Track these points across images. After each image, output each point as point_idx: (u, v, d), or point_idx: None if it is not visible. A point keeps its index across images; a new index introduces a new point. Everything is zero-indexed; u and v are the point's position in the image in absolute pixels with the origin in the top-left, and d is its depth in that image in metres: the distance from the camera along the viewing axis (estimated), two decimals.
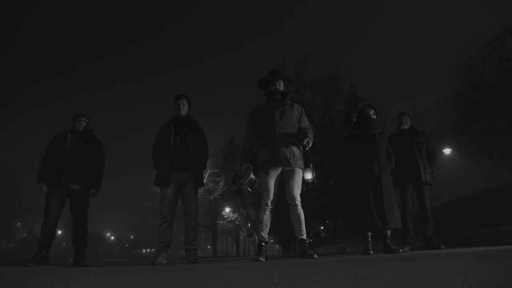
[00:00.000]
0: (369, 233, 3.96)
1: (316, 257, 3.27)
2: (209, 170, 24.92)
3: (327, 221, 25.40)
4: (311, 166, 3.46)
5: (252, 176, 3.41)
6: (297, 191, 3.47)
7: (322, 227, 26.92)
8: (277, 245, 38.69)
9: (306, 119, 3.73)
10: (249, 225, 3.41)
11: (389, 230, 3.87)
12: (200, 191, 21.03)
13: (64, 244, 63.64)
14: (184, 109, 4.11)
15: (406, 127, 4.86)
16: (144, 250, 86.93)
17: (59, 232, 62.86)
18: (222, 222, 35.10)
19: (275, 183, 3.49)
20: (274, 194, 3.49)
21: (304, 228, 3.44)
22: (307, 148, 3.42)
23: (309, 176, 3.42)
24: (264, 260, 3.32)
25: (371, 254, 3.77)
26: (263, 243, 3.44)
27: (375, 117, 4.19)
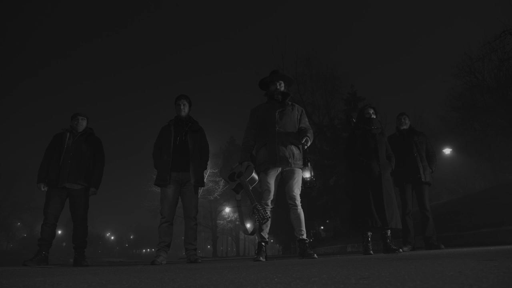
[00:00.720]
0: (369, 233, 3.96)
1: (316, 257, 3.27)
2: (209, 170, 24.93)
3: (327, 221, 25.42)
4: (309, 165, 3.45)
5: (254, 174, 3.40)
6: (297, 191, 3.47)
7: (322, 227, 26.95)
8: (277, 245, 38.71)
9: (307, 119, 3.74)
10: (248, 224, 3.40)
11: (389, 230, 3.87)
12: (200, 191, 21.03)
13: (64, 244, 63.64)
14: (184, 110, 4.12)
15: (405, 127, 4.87)
16: (144, 250, 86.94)
17: (59, 232, 62.84)
18: (222, 222, 35.13)
19: (274, 183, 3.50)
20: (274, 194, 3.50)
21: (304, 228, 3.44)
22: (306, 146, 3.41)
23: (307, 175, 3.40)
24: (264, 260, 3.33)
25: (371, 254, 3.77)
26: (263, 243, 3.45)
27: (375, 116, 4.19)
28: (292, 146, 3.48)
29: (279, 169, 3.49)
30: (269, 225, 3.48)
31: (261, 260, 3.26)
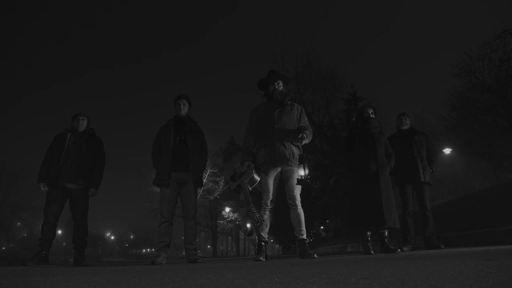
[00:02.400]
0: (369, 233, 3.96)
1: (316, 256, 3.28)
2: (209, 170, 24.90)
3: (327, 221, 25.42)
4: (304, 163, 3.46)
5: (254, 175, 3.39)
6: (297, 191, 3.48)
7: (322, 227, 26.94)
8: (277, 245, 38.71)
9: (306, 118, 3.75)
10: (248, 225, 3.42)
11: (386, 230, 3.87)
12: (200, 191, 21.04)
13: (64, 244, 63.61)
14: (184, 109, 4.12)
15: (406, 127, 4.89)
16: (144, 250, 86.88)
17: (59, 232, 62.75)
18: (222, 222, 35.08)
19: (274, 183, 3.52)
20: (273, 194, 3.51)
21: (304, 228, 3.45)
22: (303, 142, 3.46)
23: (301, 172, 3.41)
24: (264, 260, 3.33)
25: (372, 254, 3.76)
26: (263, 243, 3.45)
27: (374, 116, 4.20)
28: (292, 146, 3.49)
29: (279, 169, 3.50)
30: (268, 225, 3.49)
31: (261, 260, 3.26)
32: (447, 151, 22.18)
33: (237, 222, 34.57)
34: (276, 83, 3.72)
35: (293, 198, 3.46)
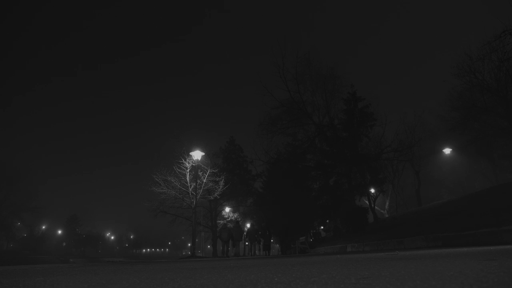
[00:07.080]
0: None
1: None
2: (209, 170, 24.95)
3: (327, 221, 25.43)
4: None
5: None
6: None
7: (322, 227, 26.96)
8: (277, 245, 38.71)
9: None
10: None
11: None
12: (200, 191, 21.20)
13: (64, 244, 63.61)
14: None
15: None
16: (144, 250, 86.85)
17: (59, 232, 62.78)
18: (222, 222, 35.05)
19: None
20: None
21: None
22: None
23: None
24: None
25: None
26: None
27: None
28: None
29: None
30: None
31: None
32: (447, 151, 22.21)
33: (237, 220, 34.58)
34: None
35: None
